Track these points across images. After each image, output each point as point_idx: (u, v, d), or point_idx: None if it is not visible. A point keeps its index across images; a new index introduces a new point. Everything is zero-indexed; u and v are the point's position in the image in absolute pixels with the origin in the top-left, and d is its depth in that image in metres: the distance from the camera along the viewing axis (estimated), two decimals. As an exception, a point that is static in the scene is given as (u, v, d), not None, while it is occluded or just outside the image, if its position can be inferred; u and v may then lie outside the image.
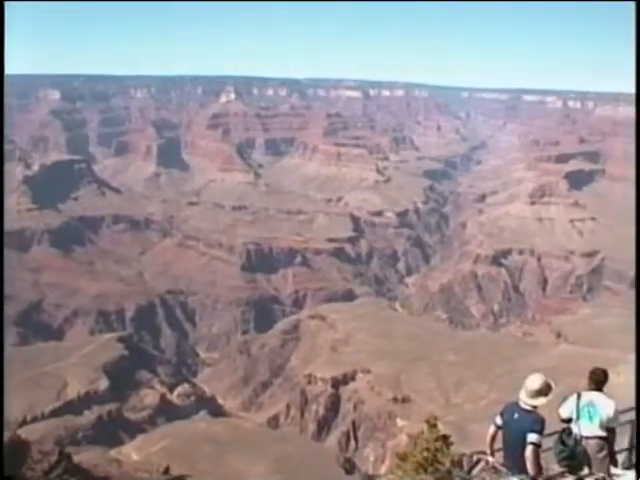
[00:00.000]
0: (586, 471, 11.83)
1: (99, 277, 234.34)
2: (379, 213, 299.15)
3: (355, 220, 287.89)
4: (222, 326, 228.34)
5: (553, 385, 11.06)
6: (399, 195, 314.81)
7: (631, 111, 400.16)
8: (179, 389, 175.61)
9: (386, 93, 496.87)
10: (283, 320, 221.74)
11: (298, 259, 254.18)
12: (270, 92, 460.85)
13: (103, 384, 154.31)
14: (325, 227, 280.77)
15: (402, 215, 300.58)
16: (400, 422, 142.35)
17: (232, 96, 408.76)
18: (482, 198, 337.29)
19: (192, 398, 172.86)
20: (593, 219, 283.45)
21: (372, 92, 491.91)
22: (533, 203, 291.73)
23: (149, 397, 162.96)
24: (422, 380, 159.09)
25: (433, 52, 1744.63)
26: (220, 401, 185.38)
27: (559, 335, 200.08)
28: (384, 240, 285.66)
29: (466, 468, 12.64)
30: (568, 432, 11.43)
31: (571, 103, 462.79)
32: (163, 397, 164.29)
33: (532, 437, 10.43)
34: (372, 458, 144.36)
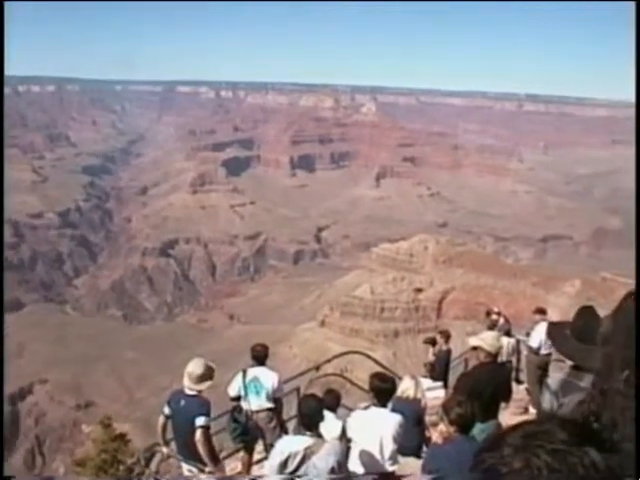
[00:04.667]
0: (260, 443, 12.85)
1: None
2: (39, 215, 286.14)
3: (14, 225, 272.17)
4: None
5: (213, 366, 11.50)
6: (59, 194, 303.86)
7: (281, 99, 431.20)
8: None
9: (36, 89, 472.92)
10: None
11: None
12: None
13: None
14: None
15: (64, 215, 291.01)
16: (86, 428, 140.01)
17: None
18: (144, 191, 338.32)
19: None
20: (252, 203, 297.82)
21: (21, 88, 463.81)
22: (195, 192, 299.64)
23: None
24: (103, 381, 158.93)
25: (81, 47, 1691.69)
26: None
27: (232, 317, 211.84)
28: (47, 243, 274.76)
29: (143, 462, 13.00)
30: (239, 409, 12.16)
31: (223, 93, 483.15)
32: None
33: (199, 420, 10.59)
34: (62, 470, 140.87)
